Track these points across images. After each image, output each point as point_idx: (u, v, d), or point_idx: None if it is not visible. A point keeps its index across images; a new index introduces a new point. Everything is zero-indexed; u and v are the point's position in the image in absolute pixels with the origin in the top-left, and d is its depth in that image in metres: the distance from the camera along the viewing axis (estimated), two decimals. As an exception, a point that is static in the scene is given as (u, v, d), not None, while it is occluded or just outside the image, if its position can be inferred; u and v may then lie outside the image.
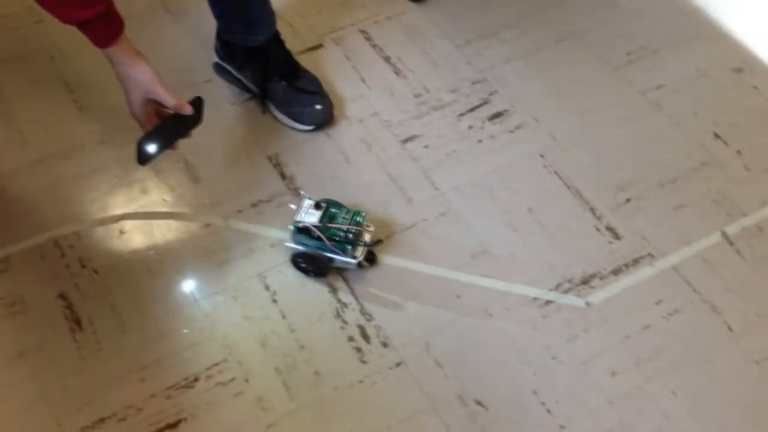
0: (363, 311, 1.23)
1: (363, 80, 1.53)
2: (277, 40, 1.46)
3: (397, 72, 1.54)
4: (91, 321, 1.20)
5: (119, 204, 1.34)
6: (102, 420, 1.11)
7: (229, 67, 1.49)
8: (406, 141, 1.44)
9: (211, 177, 1.38)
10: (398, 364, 1.17)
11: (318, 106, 1.43)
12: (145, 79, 1.13)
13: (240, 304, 1.23)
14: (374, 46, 1.58)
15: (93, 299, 1.22)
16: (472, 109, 1.48)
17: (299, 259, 1.24)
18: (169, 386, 1.14)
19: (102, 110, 1.44)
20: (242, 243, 1.30)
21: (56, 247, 1.28)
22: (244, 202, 1.34)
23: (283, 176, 1.38)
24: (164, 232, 1.31)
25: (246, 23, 1.42)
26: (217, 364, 1.17)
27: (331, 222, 1.22)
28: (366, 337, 1.20)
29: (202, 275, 1.26)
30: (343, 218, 1.23)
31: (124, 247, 1.29)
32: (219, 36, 1.48)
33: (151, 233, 1.31)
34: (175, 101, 1.15)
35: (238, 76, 1.49)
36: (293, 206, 1.24)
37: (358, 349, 1.19)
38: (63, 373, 1.15)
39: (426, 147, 1.43)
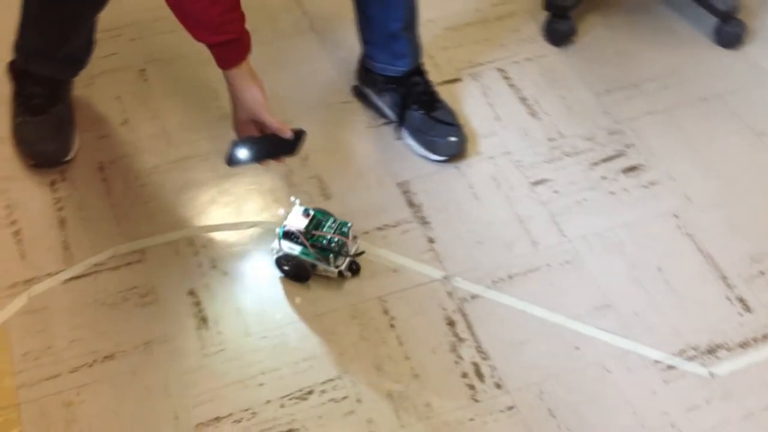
0: (479, 349, 1.22)
1: (497, 118, 1.53)
2: (419, 71, 1.48)
3: (532, 114, 1.54)
4: (216, 321, 1.24)
5: (252, 211, 1.38)
6: (218, 419, 1.14)
7: (368, 92, 1.53)
8: (536, 183, 1.43)
9: (342, 195, 1.41)
10: (510, 408, 1.16)
11: (453, 138, 1.45)
12: (255, 104, 1.22)
13: (358, 325, 1.25)
14: (512, 86, 1.59)
15: (220, 300, 1.27)
16: (606, 160, 1.47)
17: (283, 261, 1.27)
18: (284, 395, 1.17)
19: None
20: (364, 264, 1.31)
21: (190, 246, 1.33)
22: (370, 225, 1.37)
23: (410, 204, 1.40)
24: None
25: (391, 53, 1.45)
26: (331, 380, 1.18)
27: (316, 229, 1.25)
28: (480, 375, 1.20)
29: (323, 291, 1.28)
30: (329, 227, 1.26)
31: (254, 253, 1.32)
32: (362, 61, 1.52)
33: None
34: (278, 124, 1.22)
35: (377, 101, 1.52)
36: (282, 211, 1.27)
37: (471, 387, 1.18)
38: (185, 368, 1.19)
39: (556, 192, 1.42)
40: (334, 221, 1.28)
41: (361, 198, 1.41)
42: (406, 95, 1.47)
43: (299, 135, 1.26)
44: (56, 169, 1.42)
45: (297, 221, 1.26)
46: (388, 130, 1.51)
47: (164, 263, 1.31)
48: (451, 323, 1.25)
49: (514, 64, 1.63)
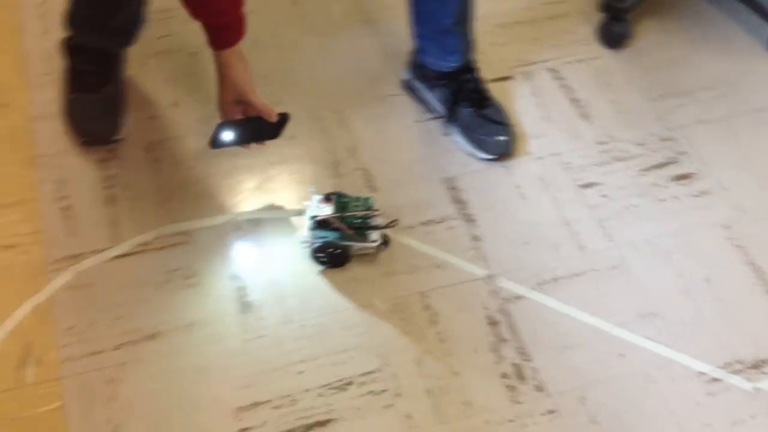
0: (521, 350, 1.21)
1: (547, 118, 1.52)
2: (471, 68, 1.47)
3: (583, 116, 1.52)
4: (259, 306, 1.24)
5: (295, 200, 1.38)
6: (257, 404, 1.15)
7: (418, 86, 1.52)
8: (584, 186, 1.41)
9: (387, 189, 1.40)
10: (551, 412, 1.15)
11: (502, 137, 1.44)
12: (244, 85, 1.25)
13: (400, 319, 1.24)
14: (563, 87, 1.57)
15: (263, 286, 1.27)
16: (657, 166, 1.44)
17: (320, 253, 1.27)
18: (324, 385, 1.17)
19: (293, 107, 1.49)
20: (407, 259, 1.31)
21: (235, 231, 1.33)
22: (415, 219, 1.36)
23: (456, 200, 1.39)
24: (336, 234, 1.34)
25: (443, 48, 1.44)
26: (371, 373, 1.18)
27: (344, 211, 1.25)
28: (521, 377, 1.18)
29: (365, 283, 1.28)
30: (355, 205, 1.27)
31: (294, 242, 1.32)
32: (413, 55, 1.51)
33: (324, 233, 1.34)
34: (263, 105, 1.26)
35: (426, 96, 1.51)
36: (306, 203, 1.28)
37: (512, 388, 1.17)
38: (226, 352, 1.20)
39: (604, 196, 1.40)
40: (357, 199, 1.29)
41: (407, 192, 1.40)
42: (457, 91, 1.45)
43: (283, 119, 1.29)
44: (106, 147, 1.43)
45: (322, 209, 1.26)
46: (436, 125, 1.50)
47: (209, 246, 1.32)
48: (493, 323, 1.24)
49: (567, 65, 1.61)
